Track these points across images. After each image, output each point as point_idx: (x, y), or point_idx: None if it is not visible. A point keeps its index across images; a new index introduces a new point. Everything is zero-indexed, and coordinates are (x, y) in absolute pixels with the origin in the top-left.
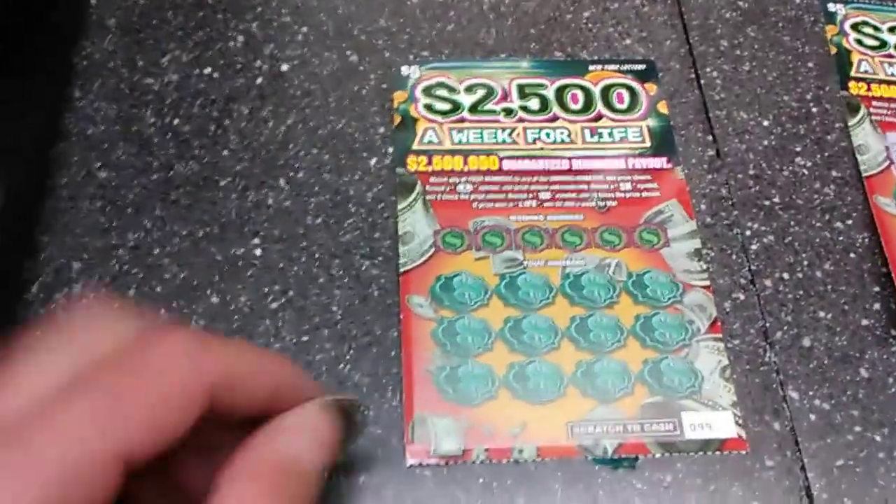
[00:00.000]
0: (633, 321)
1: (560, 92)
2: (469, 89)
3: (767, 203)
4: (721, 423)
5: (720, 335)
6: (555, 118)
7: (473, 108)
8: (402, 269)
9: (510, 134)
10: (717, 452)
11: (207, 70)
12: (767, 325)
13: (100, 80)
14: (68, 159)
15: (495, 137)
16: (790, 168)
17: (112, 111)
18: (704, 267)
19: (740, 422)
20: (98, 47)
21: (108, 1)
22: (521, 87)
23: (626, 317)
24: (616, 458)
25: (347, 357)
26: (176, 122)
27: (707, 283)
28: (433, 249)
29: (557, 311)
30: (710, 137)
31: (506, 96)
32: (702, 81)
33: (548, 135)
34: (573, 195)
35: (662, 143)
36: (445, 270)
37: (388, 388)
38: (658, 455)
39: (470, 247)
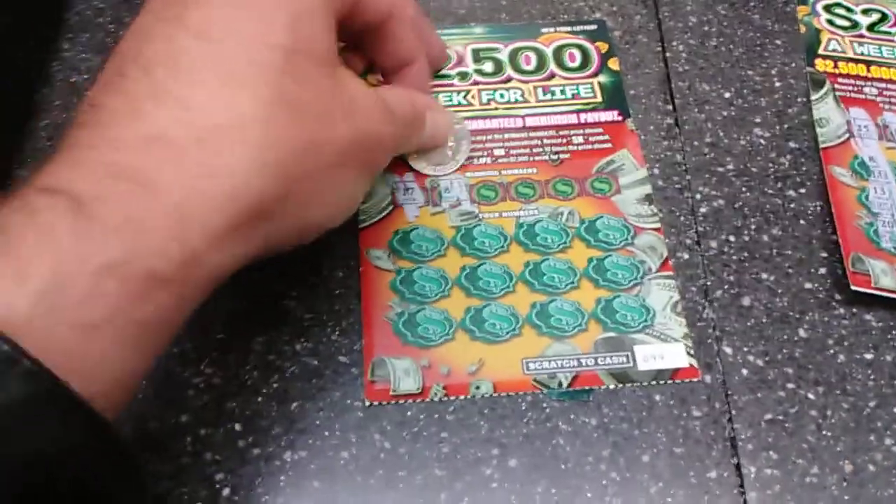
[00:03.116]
0: (585, 264)
1: (513, 54)
2: None
3: (721, 170)
4: (673, 354)
5: (671, 273)
6: (508, 79)
7: None
8: (360, 226)
9: (465, 96)
10: (670, 381)
11: None
12: (709, 283)
13: (88, 34)
14: (50, 103)
15: (451, 100)
16: (747, 138)
17: (96, 61)
18: (655, 210)
19: (692, 352)
20: (90, 4)
21: None
22: (475, 52)
23: (579, 260)
24: (570, 390)
25: (294, 294)
26: None
27: (658, 225)
28: (392, 207)
29: (512, 258)
30: (670, 107)
31: (461, 61)
32: (667, 55)
33: (501, 95)
34: (527, 150)
35: (614, 97)
36: (403, 225)
37: (337, 329)
38: (612, 386)
39: (427, 203)
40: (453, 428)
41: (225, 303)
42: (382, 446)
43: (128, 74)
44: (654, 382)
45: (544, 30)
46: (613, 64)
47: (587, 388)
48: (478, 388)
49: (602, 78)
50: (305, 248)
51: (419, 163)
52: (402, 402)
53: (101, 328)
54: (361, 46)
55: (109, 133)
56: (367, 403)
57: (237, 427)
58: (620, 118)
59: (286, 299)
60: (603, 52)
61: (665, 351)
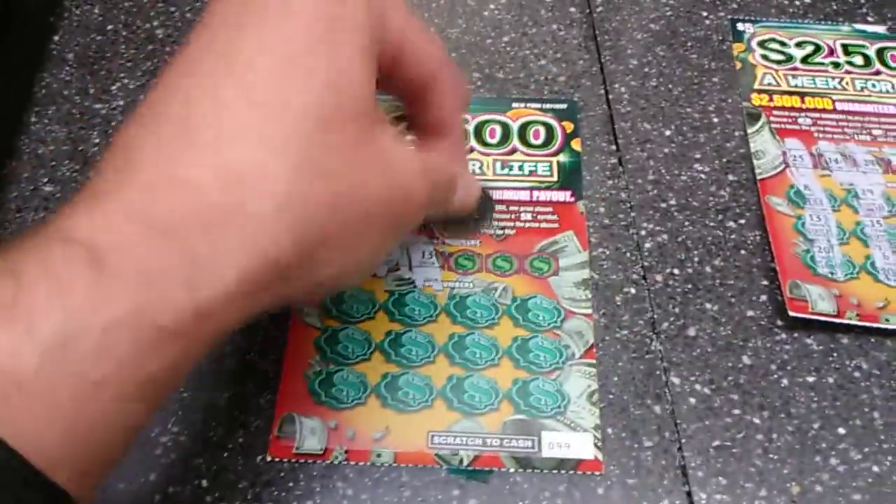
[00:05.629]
0: (510, 342)
1: (480, 126)
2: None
3: (664, 205)
4: (579, 444)
5: (594, 361)
6: (470, 150)
7: None
8: None
9: None
10: (571, 472)
11: None
12: (655, 316)
13: (54, 107)
14: (19, 176)
15: None
16: (688, 173)
17: (62, 133)
18: (589, 296)
19: (599, 444)
20: (56, 77)
21: (68, 37)
22: None
23: (504, 338)
24: (469, 469)
25: (256, 348)
26: None
27: (589, 311)
28: None
29: (438, 329)
30: (613, 147)
31: None
32: (610, 97)
33: None
34: None
35: (569, 178)
36: None
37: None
38: (512, 470)
39: None
40: (414, 472)
41: None
42: (345, 493)
43: (166, 115)
44: (556, 471)
45: (515, 105)
46: (576, 144)
47: (487, 469)
48: (379, 455)
49: (562, 157)
50: None
51: (439, 228)
52: (303, 461)
53: (107, 383)
54: (403, 104)
55: (137, 177)
56: (269, 459)
57: (204, 483)
58: (573, 199)
59: (249, 353)
60: (568, 131)
61: (572, 440)
